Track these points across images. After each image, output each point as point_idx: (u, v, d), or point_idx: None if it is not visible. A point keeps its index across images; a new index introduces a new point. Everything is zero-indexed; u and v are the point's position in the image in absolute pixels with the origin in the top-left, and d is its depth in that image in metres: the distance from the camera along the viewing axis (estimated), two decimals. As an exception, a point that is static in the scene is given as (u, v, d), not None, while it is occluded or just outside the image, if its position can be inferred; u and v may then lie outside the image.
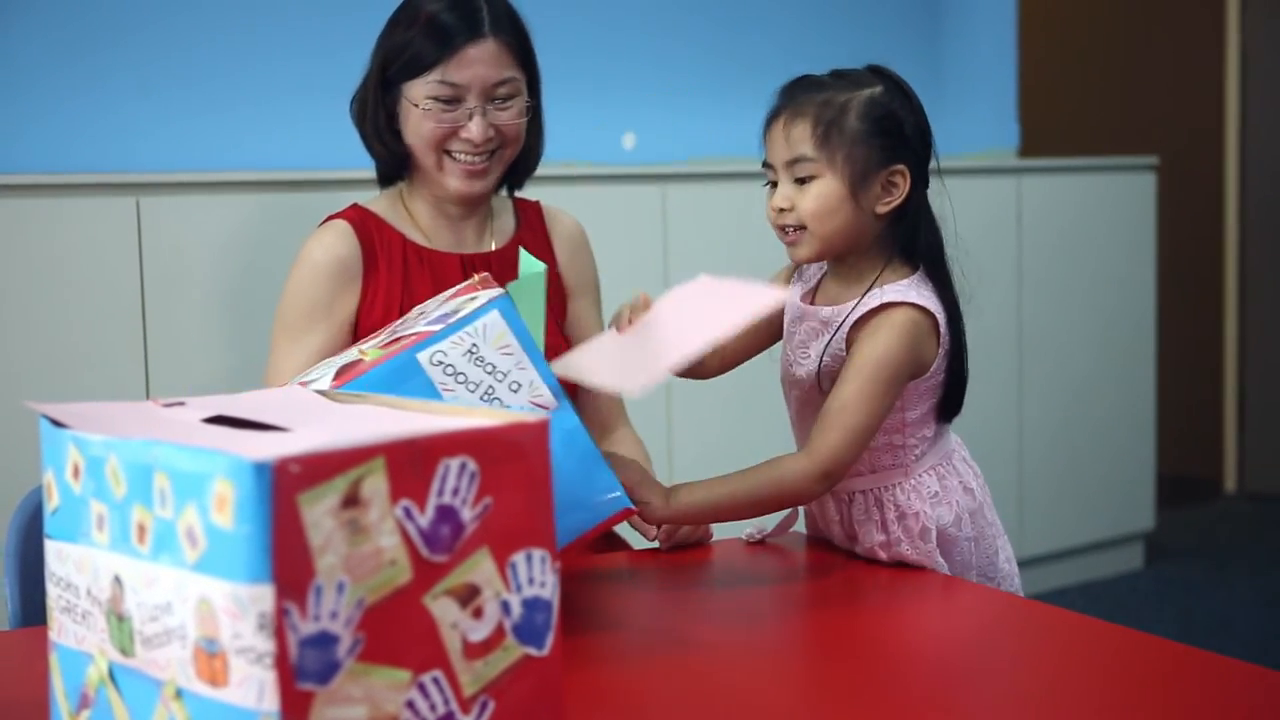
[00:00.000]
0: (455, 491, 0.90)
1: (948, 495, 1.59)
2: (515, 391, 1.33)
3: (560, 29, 3.24)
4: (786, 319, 1.67)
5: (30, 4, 2.76)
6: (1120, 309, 4.07)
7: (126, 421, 0.96)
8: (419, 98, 1.80)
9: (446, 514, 0.90)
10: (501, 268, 1.84)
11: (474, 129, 1.80)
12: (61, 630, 0.98)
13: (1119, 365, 4.08)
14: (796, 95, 1.57)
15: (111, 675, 0.93)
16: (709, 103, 3.64)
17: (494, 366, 1.32)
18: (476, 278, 1.45)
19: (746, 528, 1.70)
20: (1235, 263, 5.28)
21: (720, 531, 1.72)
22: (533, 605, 0.95)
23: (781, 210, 1.56)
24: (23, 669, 1.26)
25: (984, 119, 4.11)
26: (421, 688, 0.89)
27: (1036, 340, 3.89)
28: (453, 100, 1.80)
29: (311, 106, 3.01)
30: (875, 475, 1.59)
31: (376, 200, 1.93)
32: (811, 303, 1.64)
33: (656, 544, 1.69)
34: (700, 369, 1.71)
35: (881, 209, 1.56)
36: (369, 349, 1.35)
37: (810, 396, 1.60)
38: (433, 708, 0.89)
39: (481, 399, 1.31)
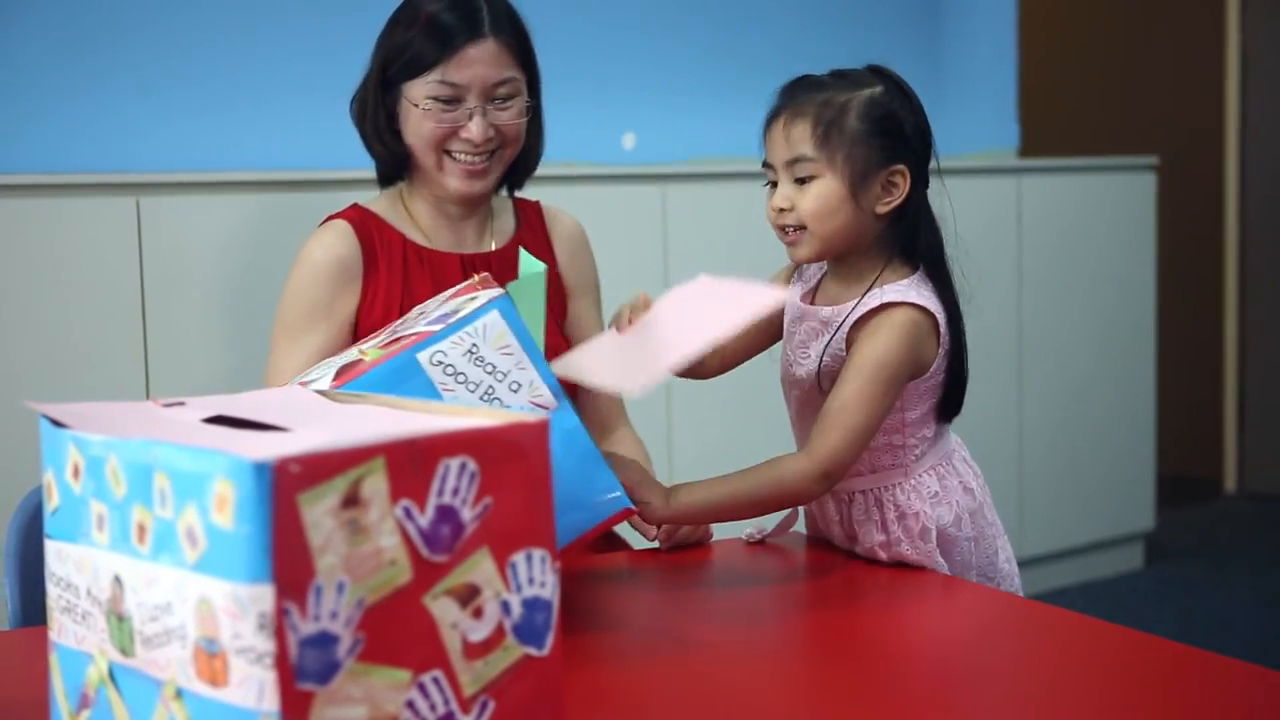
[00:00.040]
0: (455, 491, 0.90)
1: (948, 495, 1.59)
2: (515, 391, 1.33)
3: (560, 29, 3.24)
4: (786, 319, 1.67)
5: (30, 4, 2.76)
6: (1120, 309, 4.07)
7: (126, 421, 0.96)
8: (419, 98, 1.80)
9: (446, 514, 0.90)
10: (501, 268, 1.84)
11: (474, 129, 1.80)
12: (61, 630, 0.98)
13: (1119, 365, 4.08)
14: (796, 95, 1.57)
15: (111, 675, 0.93)
16: (709, 103, 3.64)
17: (494, 366, 1.32)
18: (476, 278, 1.45)
19: (746, 528, 1.70)
20: (1235, 263, 5.28)
21: (720, 531, 1.72)
22: (533, 605, 0.95)
23: (781, 210, 1.56)
24: (23, 669, 1.26)
25: (984, 119, 4.11)
26: (421, 688, 0.89)
27: (1036, 340, 3.89)
28: (453, 100, 1.80)
29: (311, 106, 3.01)
30: (875, 475, 1.59)
31: (376, 200, 1.93)
32: (811, 303, 1.64)
33: (656, 544, 1.69)
34: (700, 369, 1.71)
35: (881, 209, 1.56)
36: (369, 349, 1.35)
37: (810, 396, 1.60)
38: (433, 708, 0.89)
39: (481, 399, 1.31)
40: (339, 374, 1.30)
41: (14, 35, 2.75)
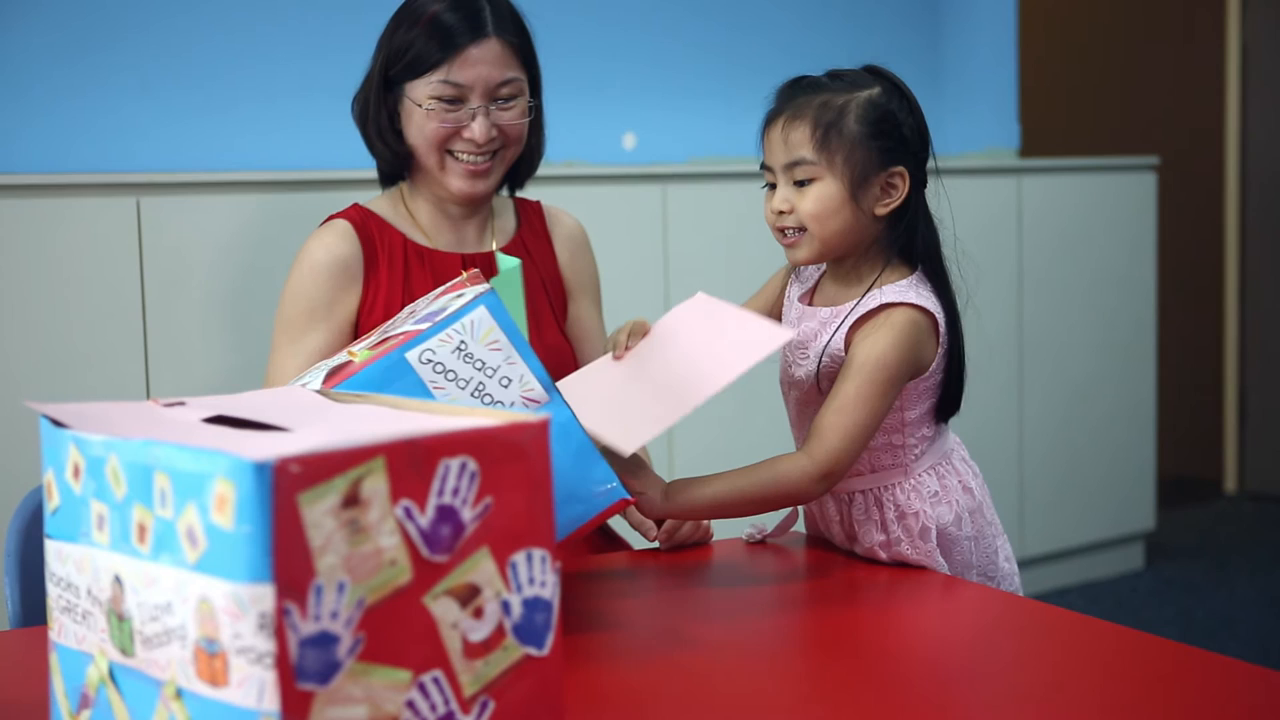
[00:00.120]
0: (455, 491, 0.90)
1: (947, 494, 1.59)
2: (506, 387, 1.33)
3: (560, 29, 3.24)
4: (785, 320, 1.67)
5: (30, 4, 2.76)
6: (1120, 309, 4.07)
7: (126, 421, 0.96)
8: (422, 98, 1.80)
9: (447, 514, 0.90)
10: (502, 268, 1.85)
11: (476, 129, 1.80)
12: (62, 630, 0.98)
13: (1119, 365, 4.08)
14: (795, 97, 1.57)
15: (112, 675, 0.93)
16: (709, 103, 3.64)
17: (483, 362, 1.32)
18: (465, 275, 1.44)
19: (746, 528, 1.70)
20: (1235, 263, 5.28)
21: (720, 531, 1.72)
22: (533, 605, 0.95)
23: (781, 213, 1.56)
24: (23, 669, 1.26)
25: (984, 119, 4.11)
26: (422, 688, 0.89)
27: (1036, 340, 3.89)
28: (455, 100, 1.80)
29: (311, 106, 3.01)
30: (875, 475, 1.59)
31: (377, 200, 1.93)
32: (810, 303, 1.64)
33: (656, 544, 1.69)
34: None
35: (881, 210, 1.56)
36: (359, 350, 1.35)
37: (809, 397, 1.60)
38: (433, 708, 0.89)
39: (472, 395, 1.31)
40: (329, 376, 1.30)
41: (14, 35, 2.75)
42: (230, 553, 0.83)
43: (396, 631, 0.87)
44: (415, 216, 1.91)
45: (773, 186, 1.58)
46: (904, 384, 1.54)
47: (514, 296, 1.76)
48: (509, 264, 1.72)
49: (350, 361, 1.32)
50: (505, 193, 1.98)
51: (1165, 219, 4.38)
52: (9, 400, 2.42)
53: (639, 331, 1.53)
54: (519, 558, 0.94)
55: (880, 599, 1.53)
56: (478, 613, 0.92)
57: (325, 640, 0.84)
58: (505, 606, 0.93)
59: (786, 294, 1.70)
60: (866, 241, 1.58)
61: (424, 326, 1.32)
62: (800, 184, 1.55)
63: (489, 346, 1.32)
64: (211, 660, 0.84)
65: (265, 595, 0.82)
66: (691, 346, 1.47)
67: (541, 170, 1.98)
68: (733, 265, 3.22)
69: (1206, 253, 5.33)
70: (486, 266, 1.86)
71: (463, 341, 1.31)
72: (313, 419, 1.00)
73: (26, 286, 2.46)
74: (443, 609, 0.90)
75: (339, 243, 1.84)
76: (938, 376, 1.58)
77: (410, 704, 0.88)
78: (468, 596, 0.91)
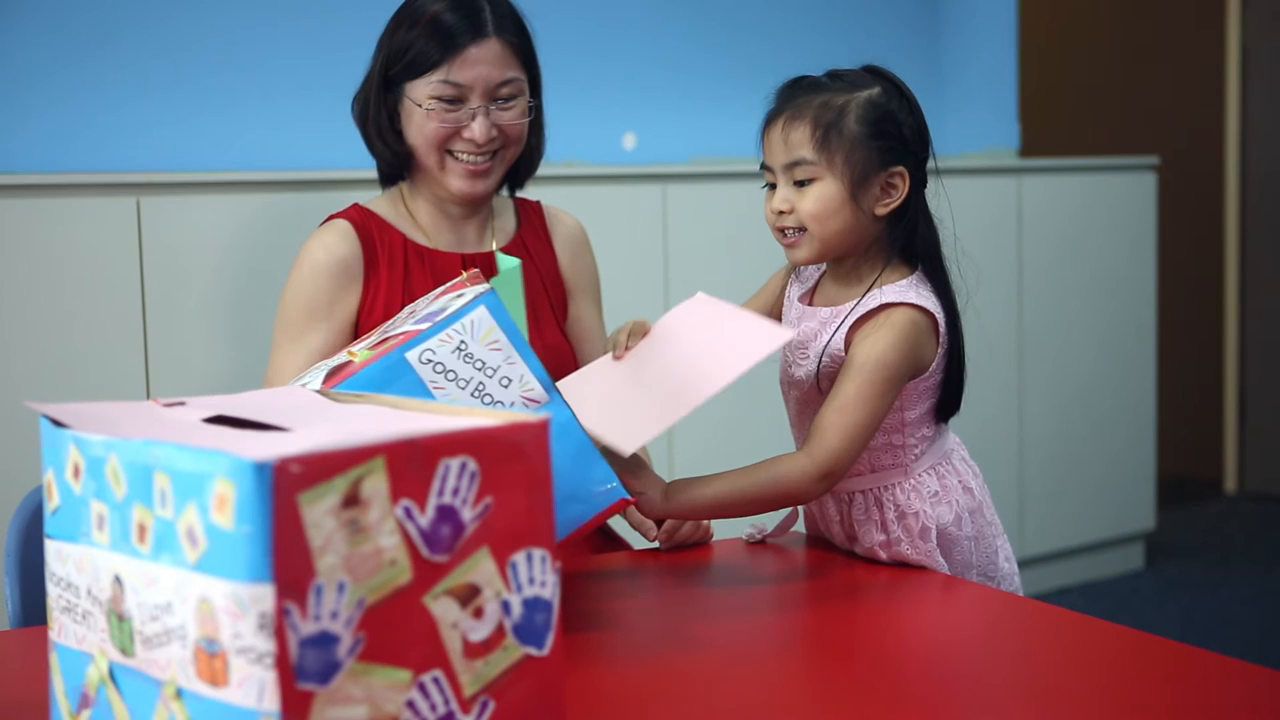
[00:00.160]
0: (455, 491, 0.90)
1: (947, 494, 1.59)
2: (506, 387, 1.33)
3: (560, 29, 3.24)
4: (785, 320, 1.67)
5: (30, 4, 2.76)
6: (1120, 309, 4.07)
7: (126, 421, 0.96)
8: (422, 98, 1.80)
9: (447, 514, 0.90)
10: (502, 268, 1.84)
11: (477, 129, 1.80)
12: (62, 630, 0.98)
13: (1119, 365, 4.08)
14: (794, 97, 1.57)
15: (112, 675, 0.93)
16: (709, 103, 3.64)
17: (483, 362, 1.32)
18: (465, 274, 1.45)
19: (746, 528, 1.70)
20: (1235, 263, 5.28)
21: (720, 531, 1.72)
22: (533, 605, 0.95)
23: (781, 213, 1.56)
24: (23, 669, 1.26)
25: (984, 119, 4.11)
26: (422, 688, 0.89)
27: (1036, 340, 3.89)
28: (456, 100, 1.80)
29: (311, 106, 3.01)
30: (875, 475, 1.59)
31: (377, 200, 1.93)
32: (810, 303, 1.64)
33: (656, 544, 1.69)
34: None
35: (881, 210, 1.56)
36: (359, 350, 1.35)
37: (809, 397, 1.60)
38: (433, 708, 0.89)
39: (472, 395, 1.31)
40: (329, 376, 1.30)
41: (14, 35, 2.75)
42: (230, 553, 0.83)
43: (396, 631, 0.87)
44: (415, 216, 1.91)
45: (773, 187, 1.58)
46: (904, 384, 1.54)
47: (514, 296, 1.77)
48: (509, 264, 1.72)
49: (350, 361, 1.32)
50: (505, 193, 1.98)
51: (1165, 219, 4.38)
52: (9, 400, 2.42)
53: (639, 331, 1.53)
54: (519, 558, 0.94)
55: (880, 599, 1.53)
56: (478, 613, 0.92)
57: (325, 640, 0.84)
58: (505, 606, 0.93)
59: (786, 294, 1.70)
60: (866, 241, 1.58)
61: (424, 326, 1.32)
62: (800, 184, 1.55)
63: (489, 346, 1.32)
64: (211, 660, 0.84)
65: (265, 595, 0.82)
66: (691, 347, 1.47)
67: (541, 170, 1.98)
68: (733, 265, 3.22)
69: (1206, 253, 5.33)
70: (486, 266, 1.86)
71: (463, 341, 1.31)
72: (313, 419, 1.00)
73: (26, 286, 2.46)
74: (443, 609, 0.90)
75: (339, 243, 1.84)
76: (938, 376, 1.58)
77: (410, 704, 0.88)
78: (468, 596, 0.91)
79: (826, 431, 1.50)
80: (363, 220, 1.87)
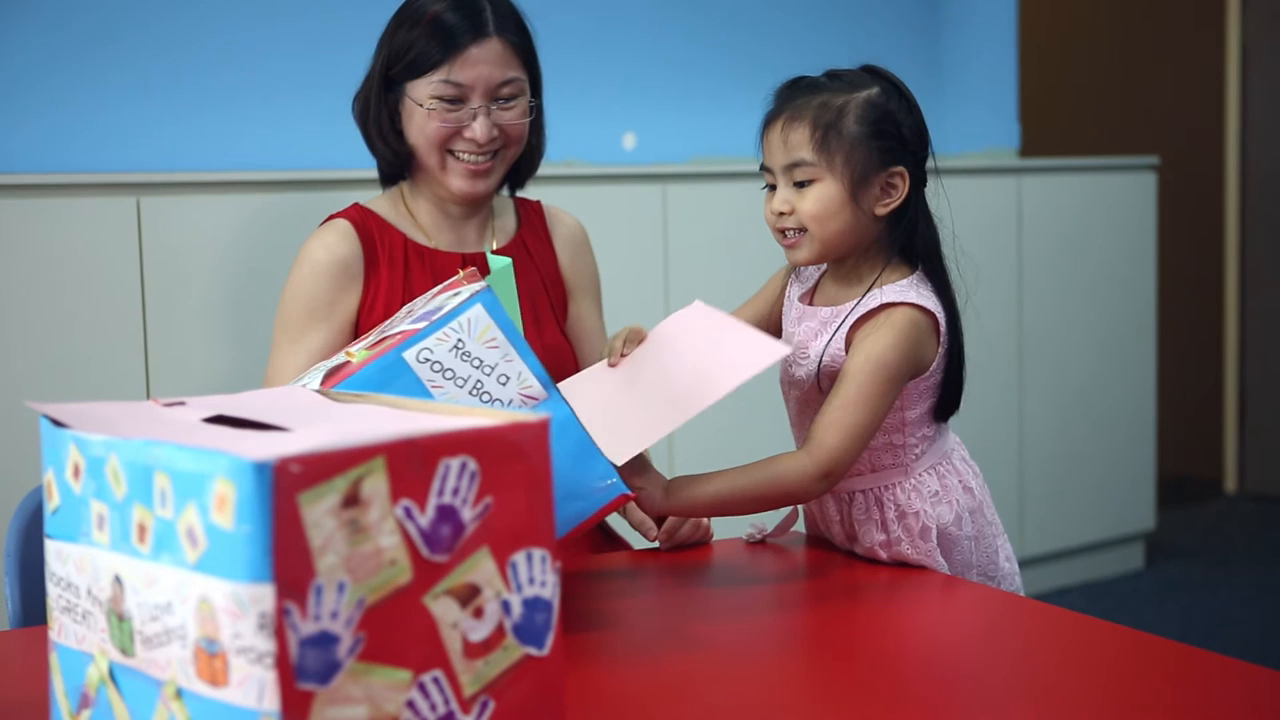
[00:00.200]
0: (455, 491, 0.90)
1: (948, 494, 1.59)
2: (504, 384, 1.33)
3: (560, 29, 3.24)
4: (785, 320, 1.67)
5: (30, 4, 2.76)
6: (1120, 309, 4.07)
7: (126, 421, 0.96)
8: (423, 97, 1.80)
9: (447, 514, 0.90)
10: (502, 267, 1.84)
11: (478, 129, 1.80)
12: (62, 630, 0.98)
13: (1119, 365, 4.08)
14: (793, 98, 1.56)
15: (112, 675, 0.93)
16: (709, 103, 3.64)
17: (481, 361, 1.32)
18: (462, 273, 1.45)
19: (746, 528, 1.70)
20: (1235, 263, 5.28)
21: (720, 531, 1.72)
22: (533, 605, 0.95)
23: (781, 214, 1.56)
24: (23, 669, 1.26)
25: (984, 119, 4.11)
26: (422, 687, 0.89)
27: (1036, 340, 3.89)
28: (457, 100, 1.80)
29: (311, 106, 3.01)
30: (875, 475, 1.59)
31: (377, 200, 1.93)
32: (810, 303, 1.64)
33: (656, 544, 1.69)
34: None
35: (881, 210, 1.56)
36: (356, 351, 1.35)
37: (810, 397, 1.60)
38: (433, 707, 0.89)
39: (470, 394, 1.31)
40: (327, 377, 1.30)
41: (14, 35, 2.75)
42: (230, 553, 0.83)
43: (396, 631, 0.87)
44: (416, 216, 1.91)
45: (773, 188, 1.58)
46: (905, 384, 1.54)
47: (507, 295, 1.77)
48: (500, 264, 1.72)
49: (348, 362, 1.32)
50: (506, 192, 1.98)
51: (1165, 219, 4.38)
52: (9, 400, 2.42)
53: (635, 338, 1.53)
54: (519, 557, 0.94)
55: (880, 599, 1.53)
56: (478, 613, 0.92)
57: (325, 640, 0.84)
58: (505, 606, 0.93)
59: (787, 294, 1.70)
60: (867, 241, 1.58)
61: (421, 326, 1.32)
62: (800, 185, 1.55)
63: (486, 344, 1.32)
64: (211, 660, 0.84)
65: (265, 595, 0.82)
66: (687, 357, 1.47)
67: (541, 170, 1.98)
68: (733, 265, 3.22)
69: (1206, 253, 5.33)
70: (485, 266, 1.86)
71: (460, 340, 1.31)
72: (313, 419, 1.00)
73: (26, 286, 2.46)
74: (443, 609, 0.90)
75: (339, 242, 1.84)
76: (938, 376, 1.58)
77: (410, 704, 0.88)
78: (468, 596, 0.91)
79: (827, 431, 1.50)
80: (363, 220, 1.87)
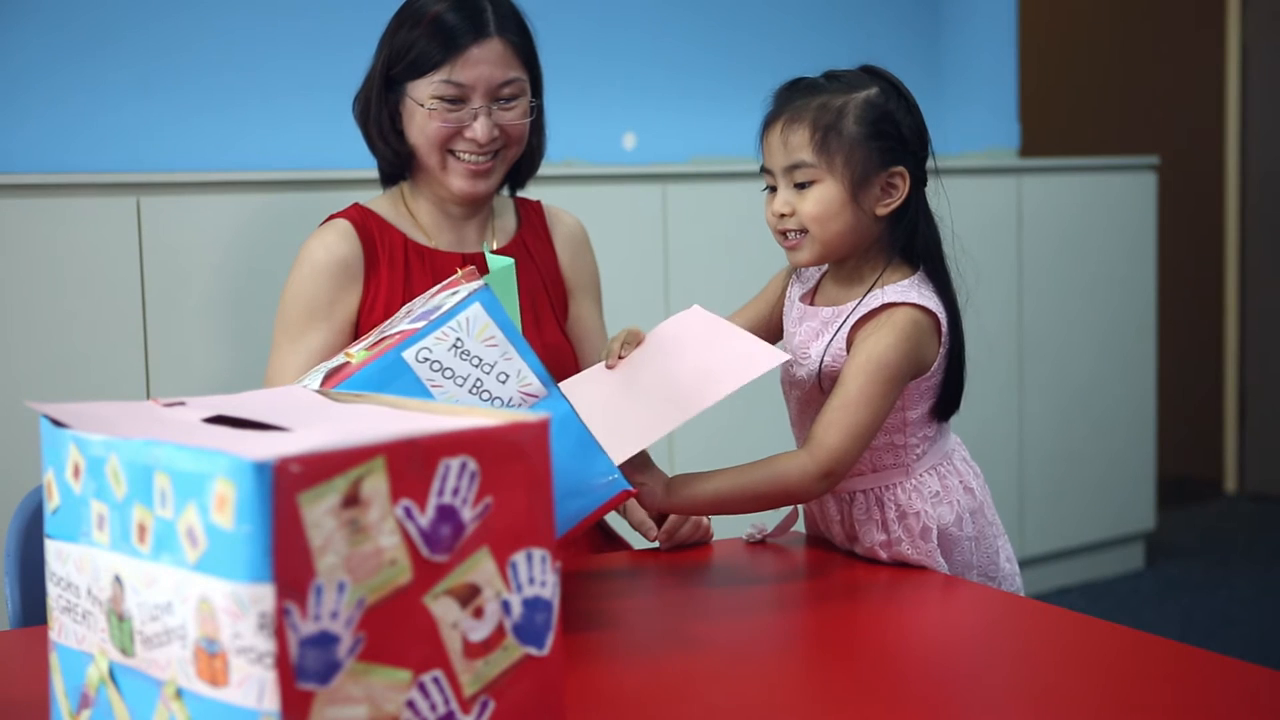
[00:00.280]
0: (455, 491, 0.90)
1: (948, 494, 1.59)
2: (503, 382, 1.33)
3: (560, 29, 3.24)
4: (786, 320, 1.67)
5: (30, 4, 2.76)
6: (1120, 309, 4.07)
7: (126, 421, 0.96)
8: (424, 97, 1.80)
9: (447, 514, 0.90)
10: (502, 267, 1.84)
11: (479, 129, 1.80)
12: (62, 630, 0.98)
13: (1119, 365, 4.08)
14: (792, 99, 1.56)
15: (112, 675, 0.93)
16: (709, 103, 3.64)
17: (480, 359, 1.32)
18: (460, 272, 1.45)
19: (747, 528, 1.70)
20: (1235, 263, 5.28)
21: (720, 531, 1.72)
22: (533, 605, 0.95)
23: (782, 215, 1.56)
24: (23, 669, 1.26)
25: (984, 119, 4.11)
26: (422, 687, 0.89)
27: (1036, 340, 3.89)
28: (458, 100, 1.80)
29: (311, 106, 3.01)
30: (876, 475, 1.59)
31: (378, 200, 1.93)
32: (811, 303, 1.64)
33: (656, 544, 1.69)
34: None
35: (881, 211, 1.56)
36: (356, 351, 1.35)
37: (811, 397, 1.60)
38: (433, 707, 0.89)
39: (470, 392, 1.31)
40: (326, 379, 1.30)
41: (14, 35, 2.75)
42: (230, 553, 0.83)
43: (396, 631, 0.87)
44: (416, 216, 1.91)
45: (773, 189, 1.58)
46: (906, 384, 1.54)
47: (507, 296, 1.77)
48: (500, 264, 1.72)
49: (348, 363, 1.32)
50: (506, 192, 1.98)
51: (1165, 219, 4.38)
52: (9, 400, 2.42)
53: (633, 341, 1.54)
54: (519, 557, 0.94)
55: (880, 599, 1.53)
56: (478, 612, 0.92)
57: (325, 640, 0.84)
58: (505, 606, 0.93)
59: (788, 294, 1.70)
60: (868, 242, 1.58)
61: (420, 325, 1.32)
62: (800, 186, 1.55)
63: (485, 343, 1.32)
64: (211, 660, 0.84)
65: (265, 595, 0.82)
66: (685, 361, 1.47)
67: (541, 170, 1.98)
68: (733, 265, 3.22)
69: (1206, 253, 5.33)
70: (484, 266, 1.86)
71: (459, 339, 1.31)
72: (313, 419, 1.00)
73: (26, 286, 2.46)
74: (443, 609, 0.90)
75: (339, 242, 1.84)
76: (939, 376, 1.58)
77: (410, 704, 0.88)
78: (468, 596, 0.91)
79: (828, 431, 1.50)
80: (363, 220, 1.87)
